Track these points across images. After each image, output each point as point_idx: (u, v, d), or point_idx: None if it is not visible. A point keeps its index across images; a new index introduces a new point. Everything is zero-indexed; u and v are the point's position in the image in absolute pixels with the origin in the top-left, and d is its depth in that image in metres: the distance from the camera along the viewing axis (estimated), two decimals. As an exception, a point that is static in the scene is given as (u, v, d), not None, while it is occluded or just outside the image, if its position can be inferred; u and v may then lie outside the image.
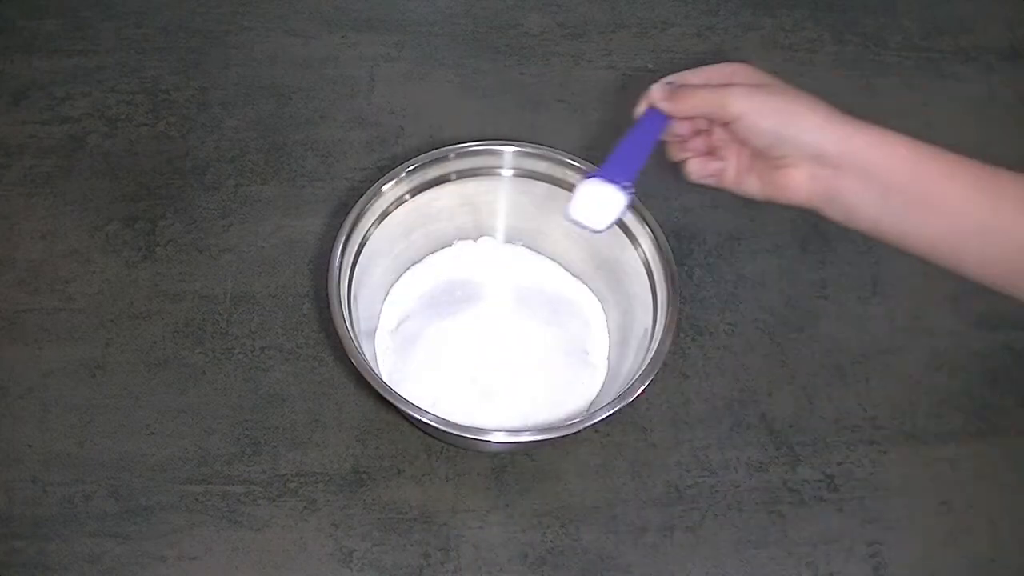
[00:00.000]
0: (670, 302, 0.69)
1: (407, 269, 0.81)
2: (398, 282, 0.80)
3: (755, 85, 0.59)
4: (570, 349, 0.77)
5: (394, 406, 0.66)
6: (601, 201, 0.61)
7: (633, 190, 0.61)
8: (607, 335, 0.79)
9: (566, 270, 0.81)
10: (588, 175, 0.62)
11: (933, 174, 0.55)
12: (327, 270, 0.69)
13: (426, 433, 0.74)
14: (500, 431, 0.65)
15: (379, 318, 0.78)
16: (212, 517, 0.72)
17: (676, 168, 0.63)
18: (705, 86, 0.60)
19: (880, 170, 0.55)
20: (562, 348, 0.76)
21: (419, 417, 0.65)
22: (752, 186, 0.61)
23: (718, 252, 0.85)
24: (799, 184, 0.58)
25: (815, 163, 0.57)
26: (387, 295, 0.80)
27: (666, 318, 0.69)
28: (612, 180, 0.61)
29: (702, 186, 0.61)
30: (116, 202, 0.85)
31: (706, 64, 0.61)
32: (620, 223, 0.72)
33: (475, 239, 0.82)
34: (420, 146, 0.87)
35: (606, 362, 0.78)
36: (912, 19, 1.00)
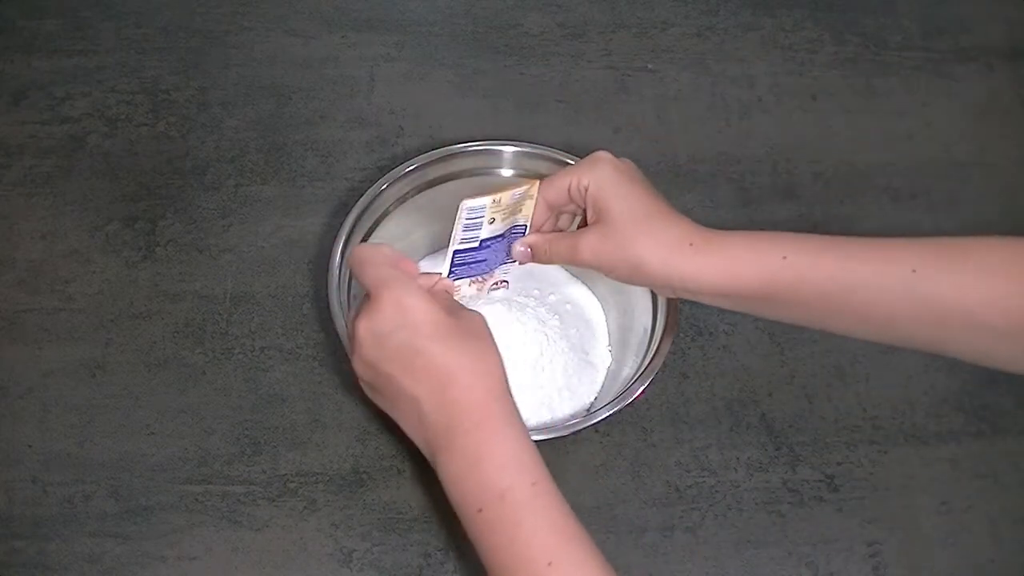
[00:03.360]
0: (670, 302, 0.69)
1: (407, 269, 0.80)
2: (398, 282, 0.80)
3: (602, 227, 0.59)
4: (570, 349, 0.77)
5: (394, 406, 0.66)
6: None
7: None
8: (607, 335, 0.79)
9: (566, 270, 0.81)
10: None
11: (790, 287, 0.56)
12: (327, 270, 0.69)
13: (426, 433, 0.74)
14: (500, 431, 0.65)
15: (379, 318, 0.78)
16: (212, 517, 0.72)
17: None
18: (558, 236, 0.62)
19: (730, 293, 0.57)
20: (562, 348, 0.76)
21: (419, 417, 0.65)
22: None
23: (718, 252, 0.85)
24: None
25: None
26: (387, 295, 0.79)
27: (666, 318, 0.69)
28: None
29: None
30: (116, 202, 0.85)
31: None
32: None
33: (475, 239, 0.82)
34: (420, 146, 0.87)
35: (606, 362, 0.78)
36: (912, 19, 1.00)
